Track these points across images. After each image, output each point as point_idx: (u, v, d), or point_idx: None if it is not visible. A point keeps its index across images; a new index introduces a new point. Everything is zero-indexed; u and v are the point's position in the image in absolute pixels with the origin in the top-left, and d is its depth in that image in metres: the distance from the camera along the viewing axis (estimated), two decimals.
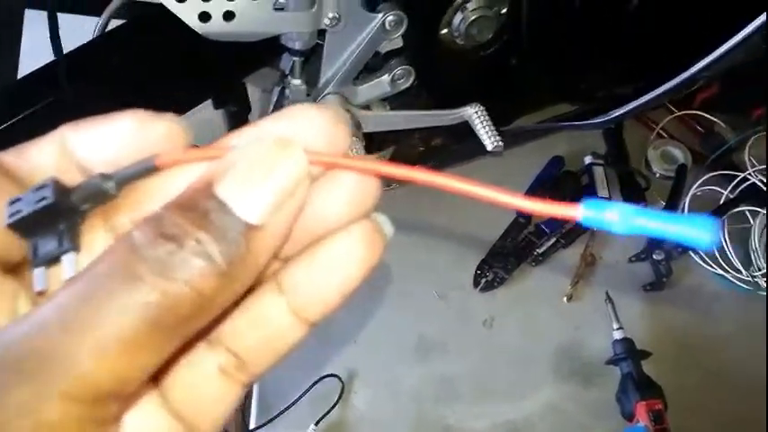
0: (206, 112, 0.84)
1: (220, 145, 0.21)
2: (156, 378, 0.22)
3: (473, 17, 0.74)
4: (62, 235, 0.20)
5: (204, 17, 0.58)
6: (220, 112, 0.85)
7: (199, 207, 0.19)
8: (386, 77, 0.77)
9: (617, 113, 0.84)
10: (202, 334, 0.23)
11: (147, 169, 0.21)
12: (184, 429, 0.22)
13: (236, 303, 0.22)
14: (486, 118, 0.78)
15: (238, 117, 0.83)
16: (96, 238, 0.22)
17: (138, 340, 0.18)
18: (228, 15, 0.59)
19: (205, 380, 0.22)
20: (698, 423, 0.90)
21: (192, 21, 0.58)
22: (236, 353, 0.23)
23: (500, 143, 0.77)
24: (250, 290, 0.23)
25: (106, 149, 0.21)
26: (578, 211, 0.20)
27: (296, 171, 0.20)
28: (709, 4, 0.80)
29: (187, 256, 0.18)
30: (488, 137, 0.77)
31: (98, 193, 0.20)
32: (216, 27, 0.59)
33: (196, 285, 0.18)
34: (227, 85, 0.77)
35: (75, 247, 0.21)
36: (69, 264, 0.20)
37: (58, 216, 0.20)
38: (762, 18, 0.68)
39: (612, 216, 0.20)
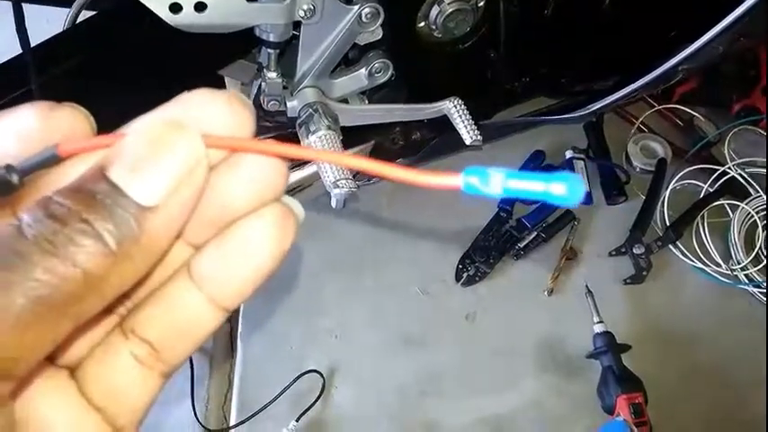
0: None
1: (121, 132, 0.21)
2: (73, 369, 0.22)
3: (450, 10, 0.74)
4: None
5: (175, 8, 0.57)
6: None
7: (88, 189, 0.19)
8: (363, 71, 0.76)
9: (596, 106, 0.84)
10: (110, 320, 0.23)
11: (49, 159, 0.21)
12: (102, 420, 0.22)
13: (146, 290, 0.23)
14: (465, 112, 0.78)
15: None
16: None
17: (25, 319, 0.18)
18: (200, 6, 0.58)
19: (120, 370, 0.22)
20: (678, 416, 0.91)
21: (162, 12, 0.57)
22: (150, 342, 0.22)
23: (479, 137, 0.77)
24: (164, 278, 0.22)
25: (7, 142, 0.21)
26: (459, 180, 0.20)
27: (190, 152, 0.20)
28: None
29: (73, 235, 0.18)
30: (467, 131, 0.77)
31: (2, 185, 0.20)
32: (187, 18, 0.58)
33: (83, 264, 0.18)
34: (201, 78, 0.76)
35: None
36: None
37: None
38: (737, 12, 0.68)
39: (491, 182, 0.20)
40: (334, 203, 0.71)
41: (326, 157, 0.19)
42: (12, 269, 0.18)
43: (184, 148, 0.20)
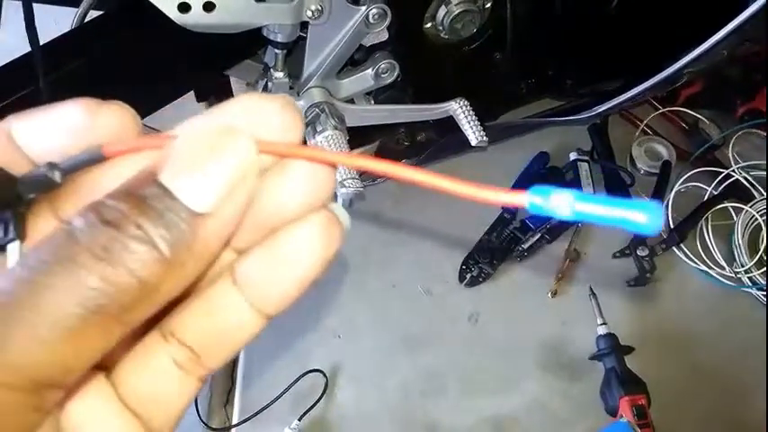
0: (189, 105, 0.84)
1: (169, 134, 0.21)
2: (109, 370, 0.22)
3: (457, 11, 0.74)
4: (7, 224, 0.20)
5: (184, 8, 0.57)
6: (203, 106, 0.84)
7: (141, 193, 0.19)
8: (370, 71, 0.76)
9: (601, 108, 0.84)
10: (153, 324, 0.22)
11: (94, 158, 0.20)
12: (139, 424, 0.22)
13: (191, 295, 0.22)
14: (471, 113, 0.78)
15: None
16: (42, 227, 0.21)
17: (78, 328, 0.17)
18: (209, 6, 0.58)
19: (159, 374, 0.22)
20: (681, 418, 0.91)
21: (171, 11, 0.57)
22: (190, 346, 0.22)
23: (485, 138, 0.77)
24: (206, 282, 0.22)
25: (53, 138, 0.21)
26: (525, 198, 0.20)
27: (243, 158, 0.20)
28: (692, 1, 0.80)
29: (128, 242, 0.18)
30: (473, 131, 0.77)
31: (44, 182, 0.20)
32: (195, 18, 0.58)
33: (138, 272, 0.18)
34: (208, 78, 0.76)
35: (21, 237, 0.20)
36: (14, 253, 0.20)
37: (3, 206, 0.20)
38: (742, 16, 0.68)
39: (558, 202, 0.19)
40: (339, 203, 0.71)
41: (378, 166, 0.19)
42: (66, 276, 0.17)
43: (237, 153, 0.20)
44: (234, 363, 0.94)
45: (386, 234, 1.02)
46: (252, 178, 0.20)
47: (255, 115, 0.21)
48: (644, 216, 0.19)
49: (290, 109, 0.21)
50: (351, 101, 0.80)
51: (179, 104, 0.76)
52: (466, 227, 1.02)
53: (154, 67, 0.66)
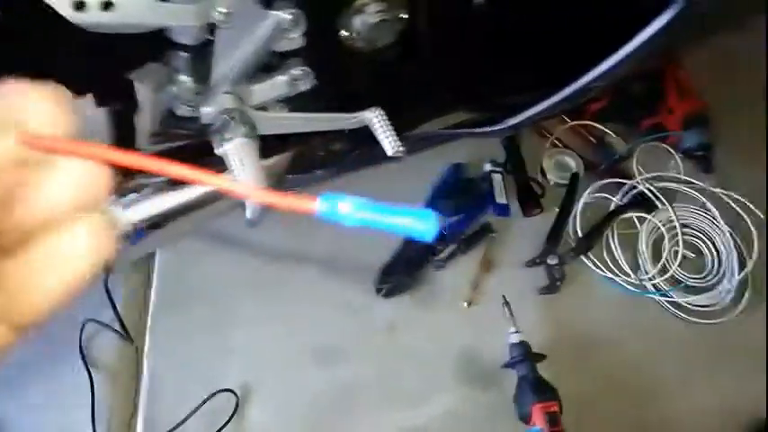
0: (88, 109, 0.78)
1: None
2: None
3: (373, 21, 0.73)
4: None
5: (79, 6, 0.53)
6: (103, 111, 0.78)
7: None
8: (283, 78, 0.74)
9: (514, 121, 0.85)
10: None
11: None
12: None
13: None
14: (387, 123, 0.77)
15: (124, 116, 0.77)
16: None
17: None
18: (107, 5, 0.54)
19: None
20: (591, 422, 0.93)
21: (65, 10, 0.53)
22: None
23: (401, 148, 0.76)
24: None
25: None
26: (315, 205, 0.20)
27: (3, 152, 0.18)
28: (600, 17, 0.83)
29: None
30: (389, 142, 0.76)
31: None
32: (92, 17, 0.54)
33: None
34: (109, 81, 0.71)
35: None
36: None
37: None
38: (645, 33, 0.70)
39: (344, 209, 0.20)
40: (249, 214, 0.68)
41: (158, 167, 0.18)
42: None
43: None
44: (136, 385, 0.88)
45: (299, 246, 1.00)
46: (8, 172, 0.18)
47: (20, 102, 0.19)
48: (421, 223, 0.20)
49: (58, 99, 0.19)
50: (263, 108, 0.77)
51: (76, 107, 0.71)
52: (383, 238, 1.01)
53: (49, 69, 0.60)
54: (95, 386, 0.84)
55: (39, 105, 0.19)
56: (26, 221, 0.19)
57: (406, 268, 0.99)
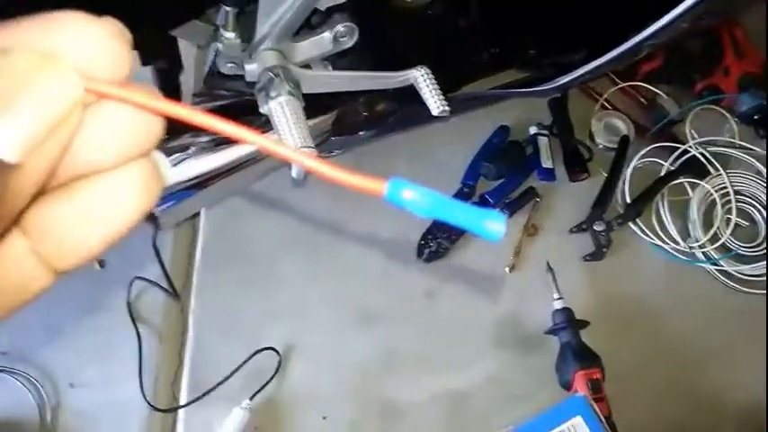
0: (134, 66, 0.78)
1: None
2: None
3: None
4: None
5: None
6: (149, 70, 0.78)
7: None
8: (327, 35, 0.72)
9: (563, 80, 0.82)
10: None
11: None
12: None
13: None
14: (433, 81, 0.75)
15: (168, 74, 0.77)
16: None
17: None
18: None
19: None
20: (635, 391, 0.92)
21: None
22: None
23: (446, 108, 0.74)
24: None
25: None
26: (382, 187, 0.20)
27: (66, 97, 0.17)
28: None
29: None
30: (434, 101, 0.74)
31: None
32: None
33: None
34: (152, 38, 0.71)
35: None
36: None
37: None
38: None
39: (413, 197, 0.20)
40: (294, 173, 0.67)
41: (211, 124, 0.19)
42: None
43: (60, 90, 0.16)
44: (182, 341, 0.90)
45: (342, 209, 0.99)
46: (73, 122, 0.17)
47: (82, 40, 0.17)
48: (488, 224, 0.20)
49: (120, 38, 0.18)
50: (307, 66, 0.76)
51: None
52: None
53: None
54: (142, 342, 0.86)
55: (97, 41, 0.18)
56: (75, 167, 0.19)
57: (447, 233, 0.97)
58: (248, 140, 0.19)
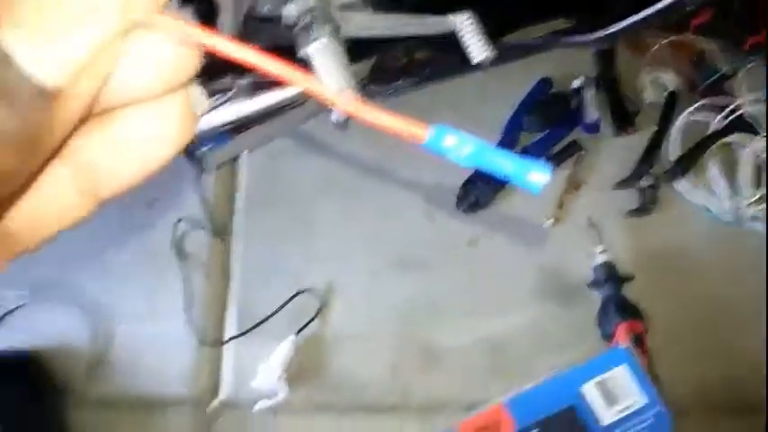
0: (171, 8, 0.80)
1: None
2: None
3: None
4: None
5: None
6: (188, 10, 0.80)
7: None
8: None
9: (611, 30, 0.81)
10: None
11: None
12: None
13: None
14: (476, 28, 0.75)
15: (207, 17, 0.79)
16: None
17: None
18: None
19: None
20: (674, 349, 0.90)
21: None
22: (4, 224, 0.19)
23: (489, 54, 0.73)
24: None
25: None
26: (424, 132, 0.20)
27: (109, 23, 0.16)
28: None
29: None
30: (477, 48, 0.73)
31: None
32: None
33: None
34: None
35: None
36: None
37: None
38: None
39: (456, 144, 0.20)
40: (335, 117, 0.68)
41: (278, 69, 0.19)
42: None
43: (102, 15, 0.16)
44: (227, 280, 0.93)
45: (384, 154, 1.00)
46: (116, 49, 0.17)
47: None
48: (531, 174, 0.19)
49: None
50: (348, 8, 0.76)
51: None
52: None
53: None
54: (189, 280, 0.89)
55: None
56: (113, 97, 0.19)
57: (489, 183, 0.97)
58: (292, 80, 0.19)
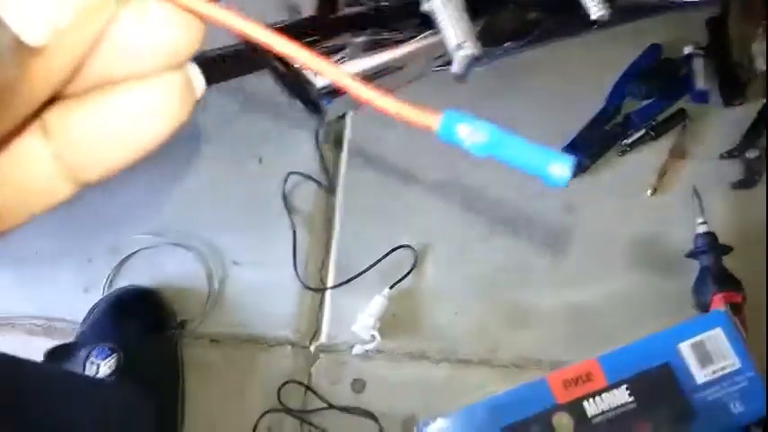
0: None
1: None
2: None
3: None
4: None
5: None
6: None
7: None
8: None
9: None
10: None
11: None
12: None
13: None
14: None
15: None
16: None
17: None
18: None
19: None
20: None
21: None
22: None
23: (606, 12, 0.73)
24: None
25: None
26: (434, 121, 0.18)
27: None
28: None
29: None
30: (594, 4, 0.73)
31: None
32: None
33: None
34: None
35: None
36: None
37: None
38: None
39: (467, 134, 0.18)
40: (455, 68, 0.70)
41: (279, 45, 0.17)
42: None
43: None
44: (329, 233, 0.97)
45: (486, 111, 1.00)
46: (107, 13, 0.16)
47: None
48: (554, 167, 0.17)
49: None
50: None
51: None
52: (566, 118, 1.00)
53: None
54: (296, 230, 0.94)
55: None
56: (104, 71, 0.17)
57: (588, 149, 0.97)
58: (299, 59, 0.18)
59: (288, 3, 0.93)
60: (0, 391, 0.55)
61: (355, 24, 0.81)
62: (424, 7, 0.73)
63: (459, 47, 0.67)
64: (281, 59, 0.74)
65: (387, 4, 0.85)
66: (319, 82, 0.75)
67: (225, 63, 0.78)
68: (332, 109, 0.78)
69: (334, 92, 0.81)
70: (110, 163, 0.18)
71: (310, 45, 0.80)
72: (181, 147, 0.99)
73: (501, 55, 0.96)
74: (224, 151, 1.00)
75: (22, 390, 0.58)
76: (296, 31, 0.81)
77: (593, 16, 0.74)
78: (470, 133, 0.18)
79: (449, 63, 0.88)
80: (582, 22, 0.80)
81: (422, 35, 0.86)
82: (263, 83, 0.82)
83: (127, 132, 0.18)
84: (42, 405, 0.59)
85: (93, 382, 0.76)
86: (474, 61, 0.68)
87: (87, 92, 0.18)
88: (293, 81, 0.76)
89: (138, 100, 0.18)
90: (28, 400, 0.58)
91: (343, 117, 1.01)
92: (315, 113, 0.79)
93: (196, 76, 0.19)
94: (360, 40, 0.85)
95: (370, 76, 0.90)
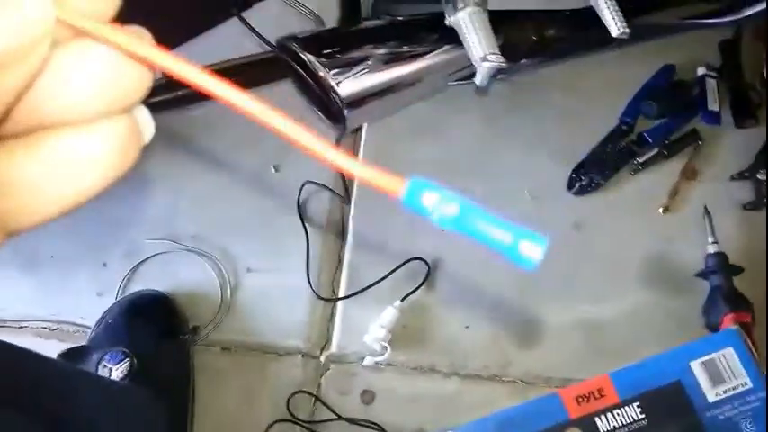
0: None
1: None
2: None
3: None
4: None
5: None
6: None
7: None
8: None
9: (750, 11, 0.80)
10: None
11: None
12: None
13: None
14: (614, 2, 0.76)
15: None
16: None
17: None
18: None
19: None
20: None
21: None
22: None
23: (626, 29, 0.74)
24: None
25: None
26: (399, 187, 0.17)
27: (31, 24, 0.14)
28: None
29: None
30: (614, 21, 0.74)
31: None
32: None
33: None
34: None
35: None
36: None
37: None
38: None
39: (430, 202, 0.17)
40: (478, 80, 0.71)
41: (216, 90, 0.16)
42: None
43: (23, 13, 0.14)
44: (342, 244, 0.98)
45: (495, 137, 1.02)
46: (39, 55, 0.15)
47: None
48: (525, 247, 0.16)
49: None
50: None
51: None
52: (579, 136, 1.01)
53: None
54: (309, 239, 0.95)
55: None
56: (40, 115, 0.16)
57: (600, 167, 0.98)
58: (242, 107, 0.17)
59: (312, 14, 0.95)
60: (19, 385, 0.56)
61: (377, 37, 0.82)
62: (450, 20, 0.74)
63: (485, 59, 0.68)
64: (307, 68, 0.75)
65: (408, 17, 0.87)
66: (342, 91, 0.76)
67: (248, 71, 0.79)
68: (352, 119, 0.79)
69: (355, 102, 0.82)
70: (41, 212, 0.17)
71: (331, 56, 0.81)
72: (197, 153, 1.00)
73: (518, 71, 0.97)
74: (240, 158, 1.01)
75: (40, 385, 0.59)
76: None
77: (615, 33, 0.75)
78: (438, 204, 0.17)
79: (465, 78, 0.89)
80: (598, 39, 0.81)
81: (442, 49, 0.87)
82: (281, 91, 0.83)
83: (62, 180, 0.17)
84: (59, 402, 0.60)
85: (108, 383, 0.76)
86: (495, 74, 0.69)
87: (21, 136, 0.16)
88: (315, 90, 0.77)
89: (75, 146, 0.16)
90: (46, 395, 0.58)
91: (359, 129, 1.02)
92: (336, 123, 0.80)
93: (145, 120, 0.18)
94: (381, 52, 0.87)
95: (388, 89, 0.91)
